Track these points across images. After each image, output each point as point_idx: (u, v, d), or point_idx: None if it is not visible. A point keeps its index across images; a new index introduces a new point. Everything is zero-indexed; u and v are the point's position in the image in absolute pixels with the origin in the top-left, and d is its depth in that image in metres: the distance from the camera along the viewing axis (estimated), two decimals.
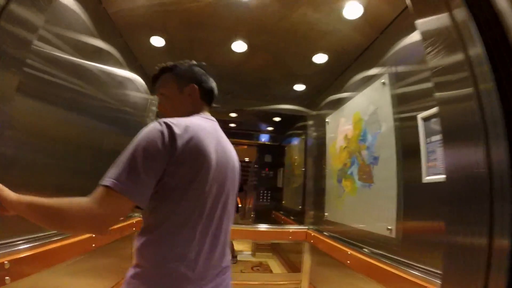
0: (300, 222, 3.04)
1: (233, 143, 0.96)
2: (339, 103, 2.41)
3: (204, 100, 0.94)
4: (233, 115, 3.97)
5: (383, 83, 1.71)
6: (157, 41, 2.13)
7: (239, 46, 2.15)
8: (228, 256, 0.89)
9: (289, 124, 4.13)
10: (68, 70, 1.40)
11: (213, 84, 0.97)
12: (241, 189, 4.46)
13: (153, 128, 0.70)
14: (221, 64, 2.46)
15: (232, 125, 4.53)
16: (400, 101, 1.58)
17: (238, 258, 4.06)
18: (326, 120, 2.65)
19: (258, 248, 4.51)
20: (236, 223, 4.06)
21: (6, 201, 0.68)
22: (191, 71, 0.93)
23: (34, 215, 0.65)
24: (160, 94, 0.92)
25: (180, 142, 0.70)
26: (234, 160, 0.92)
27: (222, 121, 1.07)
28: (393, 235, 1.50)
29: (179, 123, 0.73)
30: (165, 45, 2.17)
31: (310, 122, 3.18)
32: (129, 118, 2.31)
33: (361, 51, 2.07)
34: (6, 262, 0.96)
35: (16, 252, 1.04)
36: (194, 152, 0.72)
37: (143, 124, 2.64)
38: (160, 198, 0.71)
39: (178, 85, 0.90)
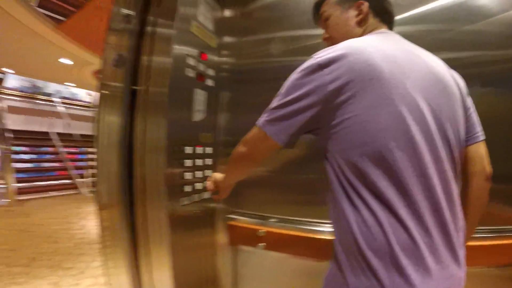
0: None
1: None
2: None
3: (379, 17, 0.74)
4: None
5: None
6: None
7: None
8: None
9: None
10: None
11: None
12: None
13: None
14: None
15: None
16: None
17: None
18: None
19: None
20: None
21: (224, 183, 0.87)
22: None
23: (231, 176, 0.84)
24: (323, 23, 0.79)
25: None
26: (449, 79, 0.65)
27: None
28: None
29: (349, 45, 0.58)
30: None
31: None
32: None
33: None
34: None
35: None
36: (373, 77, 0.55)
37: None
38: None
39: (341, 7, 0.75)
